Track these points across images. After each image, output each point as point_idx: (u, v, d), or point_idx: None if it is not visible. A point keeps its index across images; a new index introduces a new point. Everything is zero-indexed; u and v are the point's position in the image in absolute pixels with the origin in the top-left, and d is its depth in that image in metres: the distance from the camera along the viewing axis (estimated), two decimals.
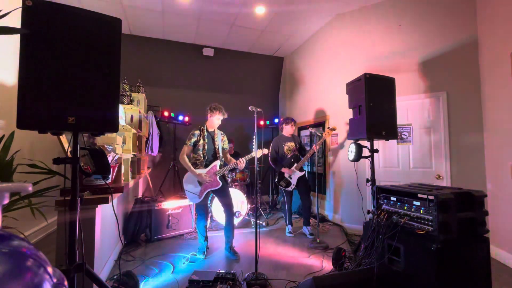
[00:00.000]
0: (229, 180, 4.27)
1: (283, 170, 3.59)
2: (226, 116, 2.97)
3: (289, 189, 3.58)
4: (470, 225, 1.60)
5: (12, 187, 0.73)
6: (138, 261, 2.71)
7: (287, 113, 5.97)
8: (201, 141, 2.89)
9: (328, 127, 3.95)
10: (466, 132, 3.12)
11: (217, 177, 2.86)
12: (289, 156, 3.65)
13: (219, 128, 3.07)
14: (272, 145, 3.78)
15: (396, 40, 3.61)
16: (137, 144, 3.40)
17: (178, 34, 4.86)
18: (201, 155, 2.89)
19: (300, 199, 3.74)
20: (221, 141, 3.01)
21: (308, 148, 3.73)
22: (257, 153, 2.84)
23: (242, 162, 2.85)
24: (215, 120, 2.94)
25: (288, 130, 3.74)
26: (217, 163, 2.89)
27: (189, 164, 2.83)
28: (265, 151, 3.09)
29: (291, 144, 3.70)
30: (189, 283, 2.14)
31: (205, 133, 2.92)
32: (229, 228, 2.90)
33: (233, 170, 4.43)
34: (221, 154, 2.96)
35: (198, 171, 2.82)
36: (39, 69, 1.24)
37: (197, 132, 2.91)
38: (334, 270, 2.47)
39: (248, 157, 2.93)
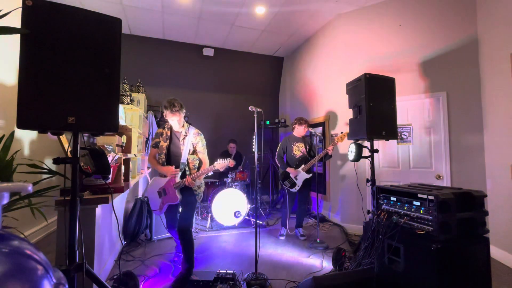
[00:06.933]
0: (229, 180, 4.24)
1: (288, 170, 3.49)
2: (177, 114, 2.31)
3: (293, 190, 3.47)
4: (470, 225, 1.60)
5: (12, 187, 0.73)
6: (138, 261, 2.71)
7: (287, 113, 5.97)
8: (162, 143, 2.41)
9: (342, 132, 3.78)
10: (466, 132, 3.12)
11: (176, 190, 2.34)
12: (298, 156, 3.56)
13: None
14: (280, 143, 3.72)
15: (396, 40, 3.61)
16: (137, 144, 3.40)
17: (178, 34, 4.86)
18: (162, 160, 2.42)
19: (298, 201, 3.63)
20: (191, 144, 2.41)
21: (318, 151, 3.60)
22: (220, 164, 2.29)
23: (205, 171, 2.32)
24: (169, 120, 2.38)
25: (300, 131, 3.62)
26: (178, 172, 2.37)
27: (155, 162, 2.43)
28: (231, 162, 2.35)
29: (300, 145, 3.61)
30: (189, 283, 2.14)
31: (170, 133, 2.44)
32: (183, 252, 2.31)
33: (232, 169, 4.40)
34: (185, 161, 2.38)
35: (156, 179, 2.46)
36: (39, 69, 1.24)
37: (160, 131, 2.47)
38: (334, 270, 2.47)
39: (210, 169, 2.33)
